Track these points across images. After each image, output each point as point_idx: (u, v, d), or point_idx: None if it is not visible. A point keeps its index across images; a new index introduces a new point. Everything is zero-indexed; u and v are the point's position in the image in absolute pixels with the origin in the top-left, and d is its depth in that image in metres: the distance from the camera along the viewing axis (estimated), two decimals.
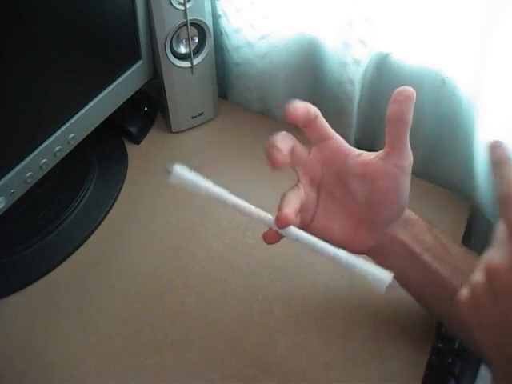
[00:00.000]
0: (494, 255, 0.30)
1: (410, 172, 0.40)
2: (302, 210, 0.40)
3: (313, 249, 0.38)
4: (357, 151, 0.41)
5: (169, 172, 0.38)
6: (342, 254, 0.38)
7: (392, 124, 0.37)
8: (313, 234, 0.42)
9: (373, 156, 0.40)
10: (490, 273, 0.29)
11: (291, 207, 0.38)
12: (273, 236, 0.39)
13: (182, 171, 0.39)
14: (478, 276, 0.30)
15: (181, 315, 0.53)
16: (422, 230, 0.42)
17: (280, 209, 0.38)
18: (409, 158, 0.39)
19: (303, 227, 0.41)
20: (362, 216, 0.42)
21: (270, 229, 0.39)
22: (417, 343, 0.50)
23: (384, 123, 0.39)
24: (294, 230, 0.39)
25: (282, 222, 0.37)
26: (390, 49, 0.59)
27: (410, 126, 0.37)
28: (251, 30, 0.66)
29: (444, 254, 0.42)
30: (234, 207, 0.39)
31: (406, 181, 0.39)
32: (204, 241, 0.60)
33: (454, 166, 0.63)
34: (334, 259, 0.38)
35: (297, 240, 0.39)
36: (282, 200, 0.39)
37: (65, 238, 0.59)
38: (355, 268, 0.37)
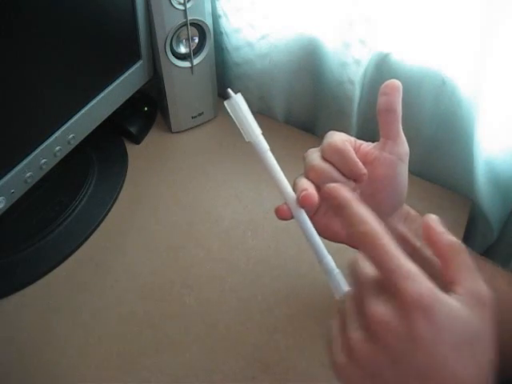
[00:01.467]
0: (375, 307, 0.26)
1: (407, 161, 0.40)
2: None
3: (309, 242, 0.38)
4: (358, 142, 0.41)
5: (228, 95, 0.35)
6: (330, 263, 0.38)
7: (382, 115, 0.39)
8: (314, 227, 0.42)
9: (371, 146, 0.41)
10: (380, 327, 0.26)
11: (312, 188, 0.37)
12: (286, 213, 0.38)
13: (241, 102, 0.36)
14: (355, 334, 0.27)
15: (181, 315, 0.53)
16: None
17: (301, 189, 0.37)
18: (404, 146, 0.40)
19: None
20: None
21: (285, 204, 0.38)
22: None
23: None
24: (305, 216, 0.38)
25: (307, 200, 0.36)
26: (390, 49, 0.59)
27: (400, 116, 0.39)
28: (251, 30, 0.66)
29: None
30: (265, 166, 0.38)
31: (404, 169, 0.40)
32: (204, 241, 0.60)
33: (454, 165, 0.63)
34: (320, 262, 0.38)
35: (302, 227, 0.38)
36: (297, 184, 0.38)
37: (65, 238, 0.59)
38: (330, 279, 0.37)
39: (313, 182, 0.38)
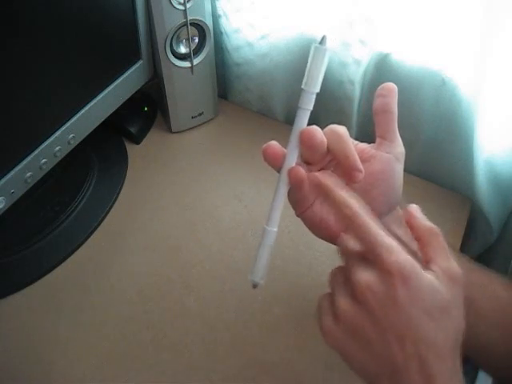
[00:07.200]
0: (360, 275, 0.30)
1: (403, 161, 0.41)
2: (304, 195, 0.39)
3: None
4: (355, 142, 0.42)
5: (323, 41, 0.35)
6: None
7: (379, 115, 0.40)
8: (309, 221, 0.42)
9: (367, 145, 0.41)
10: (364, 292, 0.30)
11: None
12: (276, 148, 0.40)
13: (325, 55, 0.36)
14: (342, 301, 0.31)
15: (181, 315, 0.53)
16: None
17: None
18: (400, 146, 0.41)
19: (301, 213, 0.41)
20: None
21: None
22: None
23: None
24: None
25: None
26: (390, 49, 0.59)
27: (396, 116, 0.40)
28: (251, 30, 0.66)
29: None
30: (296, 122, 0.39)
31: (400, 168, 0.41)
32: (204, 241, 0.60)
33: (454, 165, 0.63)
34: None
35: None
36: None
37: (65, 238, 0.59)
38: None
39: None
